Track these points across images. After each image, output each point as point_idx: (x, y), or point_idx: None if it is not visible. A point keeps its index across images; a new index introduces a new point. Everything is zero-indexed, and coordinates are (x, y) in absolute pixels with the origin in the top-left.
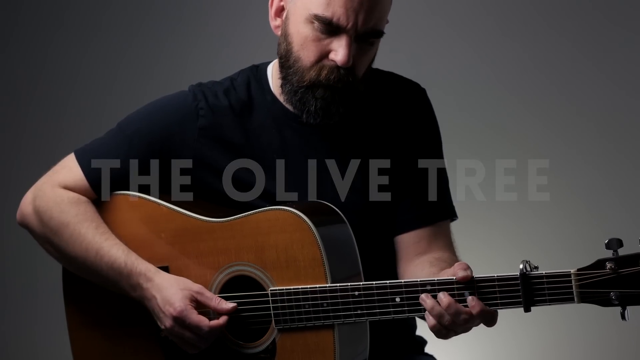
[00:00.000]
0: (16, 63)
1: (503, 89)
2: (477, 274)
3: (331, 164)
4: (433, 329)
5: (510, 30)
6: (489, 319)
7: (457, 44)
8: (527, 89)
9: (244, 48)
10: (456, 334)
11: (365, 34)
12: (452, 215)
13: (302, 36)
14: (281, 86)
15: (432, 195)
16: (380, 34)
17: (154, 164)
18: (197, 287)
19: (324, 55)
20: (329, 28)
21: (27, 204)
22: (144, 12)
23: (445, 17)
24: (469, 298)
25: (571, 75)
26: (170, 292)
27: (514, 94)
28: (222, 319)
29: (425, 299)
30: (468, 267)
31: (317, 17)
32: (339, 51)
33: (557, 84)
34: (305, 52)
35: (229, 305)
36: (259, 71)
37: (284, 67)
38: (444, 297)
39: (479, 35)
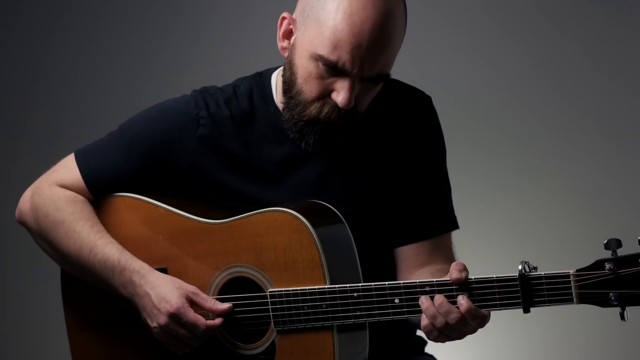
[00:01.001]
0: (16, 63)
1: (503, 88)
2: (476, 274)
3: (332, 176)
4: (425, 329)
5: (512, 30)
6: (480, 320)
7: (458, 44)
8: (527, 88)
9: (245, 50)
10: (448, 338)
11: (370, 78)
12: (454, 227)
13: (306, 71)
14: (283, 110)
15: (434, 208)
16: (385, 77)
17: (152, 169)
18: (192, 287)
19: (327, 93)
20: (333, 70)
21: (25, 201)
22: (144, 12)
23: (446, 16)
24: (459, 297)
25: (571, 74)
26: (166, 289)
27: (514, 93)
28: (218, 320)
29: (424, 300)
30: (464, 269)
31: (322, 58)
32: (341, 93)
33: (558, 83)
34: (308, 86)
35: (224, 306)
36: (263, 79)
37: (287, 94)
38: (438, 296)
39: (480, 35)
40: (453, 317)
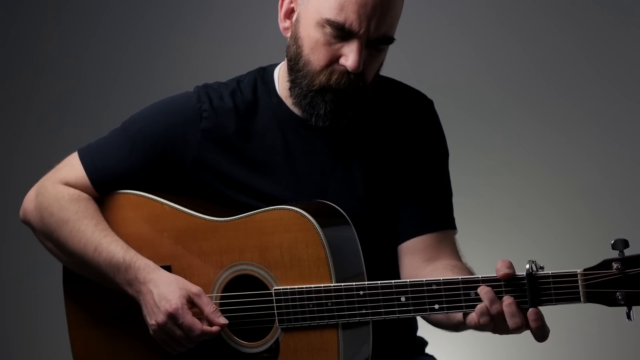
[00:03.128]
0: (17, 62)
1: (504, 89)
2: (483, 274)
3: (335, 169)
4: (478, 312)
5: (512, 30)
6: (542, 334)
7: (457, 44)
8: (529, 89)
9: (247, 47)
10: (495, 325)
11: (376, 40)
12: (454, 228)
13: (312, 40)
14: (290, 89)
15: (437, 203)
16: (391, 40)
17: (156, 165)
18: (196, 289)
19: (335, 59)
20: (340, 33)
21: (29, 201)
22: (145, 9)
23: (447, 16)
24: (531, 310)
25: (574, 75)
26: (169, 289)
27: (516, 94)
28: (215, 328)
29: (484, 289)
30: (511, 265)
31: (329, 22)
32: (349, 56)
33: (560, 84)
34: (315, 56)
35: (222, 320)
36: (266, 73)
37: (293, 70)
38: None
39: (480, 35)
40: (516, 321)
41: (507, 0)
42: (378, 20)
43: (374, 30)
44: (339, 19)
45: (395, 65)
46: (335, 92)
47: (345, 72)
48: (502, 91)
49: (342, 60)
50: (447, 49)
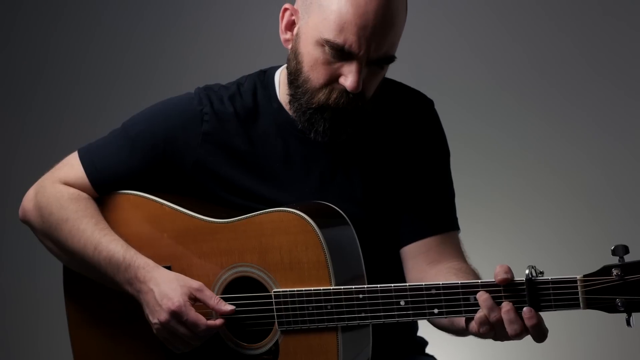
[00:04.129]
0: (17, 62)
1: (504, 89)
2: (484, 275)
3: (334, 175)
4: (477, 321)
5: (512, 30)
6: (540, 334)
7: (457, 44)
8: (529, 89)
9: (248, 48)
10: (495, 333)
11: (377, 60)
12: (457, 228)
13: (312, 58)
14: (290, 102)
15: (439, 205)
16: (392, 59)
17: (156, 166)
18: (197, 284)
19: (334, 78)
20: (340, 54)
21: (28, 200)
22: (145, 10)
23: (447, 16)
24: (526, 309)
25: (575, 75)
26: (170, 286)
27: (516, 94)
28: (219, 320)
29: (483, 296)
30: (509, 271)
31: (328, 42)
32: (349, 77)
33: (561, 84)
34: (315, 73)
35: (228, 307)
36: (266, 77)
37: (293, 84)
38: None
39: (480, 35)
40: (514, 327)
41: (507, 0)
42: (378, 42)
43: (374, 51)
44: (339, 40)
45: (395, 65)
46: (334, 111)
47: (345, 91)
48: (503, 91)
49: (341, 80)
50: (447, 49)
